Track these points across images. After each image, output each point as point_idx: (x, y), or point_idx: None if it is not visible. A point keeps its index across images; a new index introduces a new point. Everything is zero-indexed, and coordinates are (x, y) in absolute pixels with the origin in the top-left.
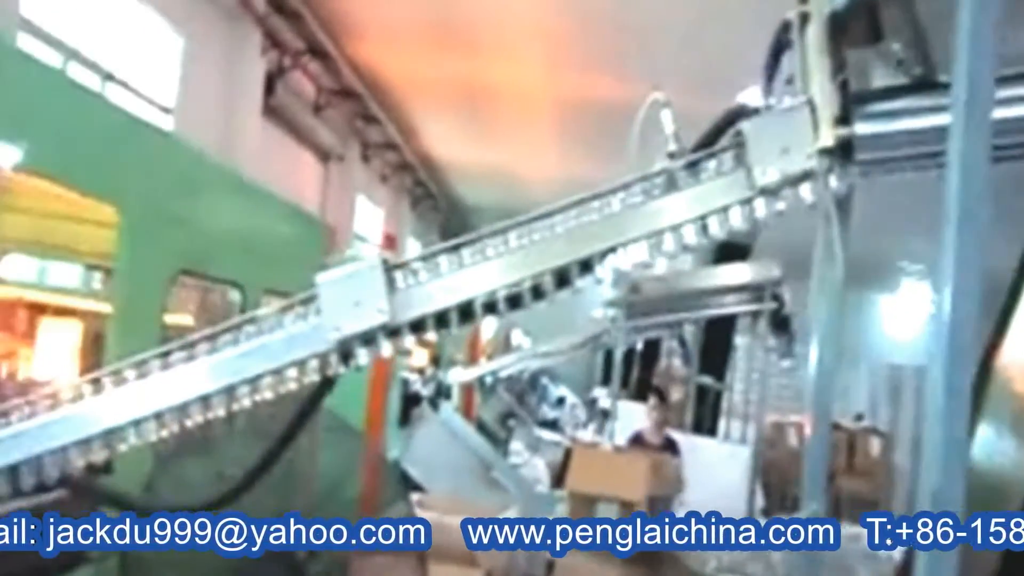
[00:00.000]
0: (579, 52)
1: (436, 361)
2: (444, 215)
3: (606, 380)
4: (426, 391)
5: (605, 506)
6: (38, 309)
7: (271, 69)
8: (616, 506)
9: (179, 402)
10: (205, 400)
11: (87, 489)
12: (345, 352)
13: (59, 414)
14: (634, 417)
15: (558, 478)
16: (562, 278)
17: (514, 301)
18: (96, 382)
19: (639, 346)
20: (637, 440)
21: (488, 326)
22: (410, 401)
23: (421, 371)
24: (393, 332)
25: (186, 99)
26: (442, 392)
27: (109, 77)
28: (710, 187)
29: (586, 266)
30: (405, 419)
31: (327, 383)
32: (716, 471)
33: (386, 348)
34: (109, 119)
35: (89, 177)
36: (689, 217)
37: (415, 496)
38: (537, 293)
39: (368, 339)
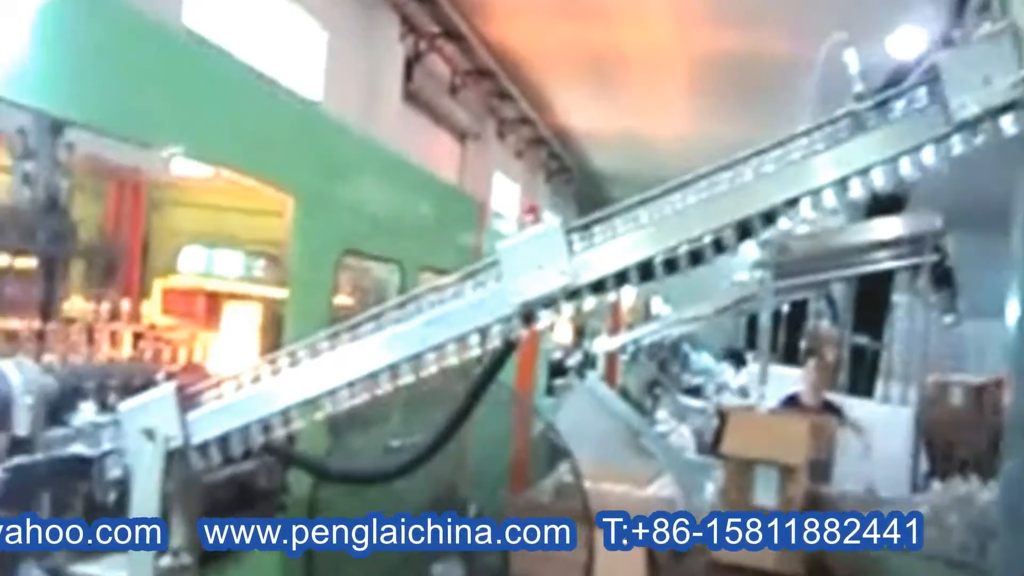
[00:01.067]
0: (708, 5)
1: (580, 331)
2: (578, 186)
3: (750, 344)
4: (572, 361)
5: (764, 470)
6: (214, 297)
7: (409, 54)
8: (775, 470)
9: (369, 371)
10: (394, 369)
11: (290, 457)
12: (527, 315)
13: (262, 387)
14: (784, 381)
15: (713, 443)
16: (744, 231)
17: (695, 256)
18: (292, 355)
19: (784, 308)
20: (792, 402)
21: (628, 295)
22: (555, 372)
23: (563, 343)
24: (574, 294)
25: (331, 90)
26: (588, 362)
27: (259, 76)
28: (902, 126)
29: (769, 218)
30: (550, 389)
31: (508, 349)
32: (875, 434)
33: (567, 310)
34: (283, 109)
35: (269, 167)
36: (878, 159)
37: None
38: (718, 247)
39: (550, 302)
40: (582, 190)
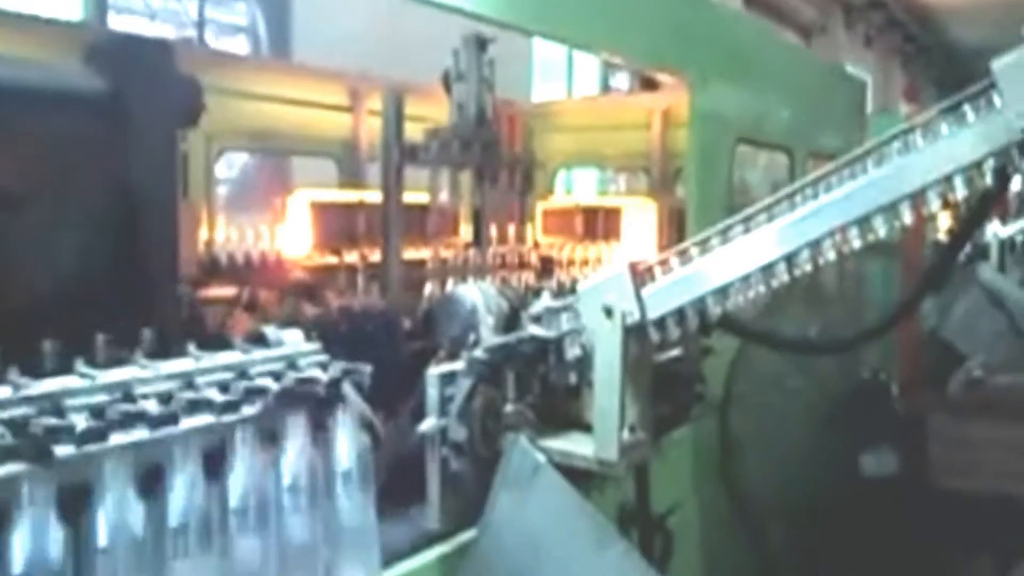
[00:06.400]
0: None
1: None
2: (940, 69)
3: None
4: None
5: None
6: (590, 212)
7: None
8: None
9: (839, 223)
10: (865, 219)
11: (744, 329)
12: None
13: (713, 258)
14: None
15: None
16: None
17: None
18: (747, 221)
19: None
20: None
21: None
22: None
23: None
24: None
25: None
26: (979, 253)
27: None
28: None
29: None
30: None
31: (1000, 189)
32: None
33: None
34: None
35: (671, 54)
36: None
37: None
38: None
39: None
40: (945, 73)
